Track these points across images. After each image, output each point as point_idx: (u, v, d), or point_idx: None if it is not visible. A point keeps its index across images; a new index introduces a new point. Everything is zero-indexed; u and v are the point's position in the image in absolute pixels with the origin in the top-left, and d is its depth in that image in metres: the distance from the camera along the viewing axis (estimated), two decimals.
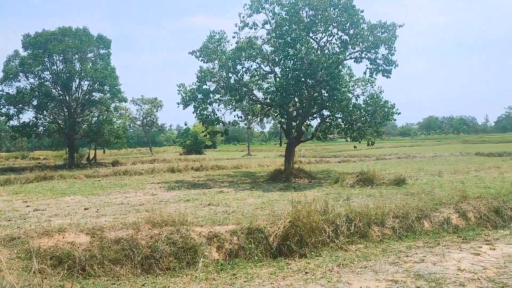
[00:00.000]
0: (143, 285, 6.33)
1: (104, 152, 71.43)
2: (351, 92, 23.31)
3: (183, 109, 22.01)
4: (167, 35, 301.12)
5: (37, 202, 15.41)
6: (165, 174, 25.97)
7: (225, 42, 22.03)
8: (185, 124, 79.68)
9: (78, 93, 38.94)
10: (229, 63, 20.46)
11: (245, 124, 52.98)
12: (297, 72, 19.44)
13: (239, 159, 44.09)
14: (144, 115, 70.84)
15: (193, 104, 21.80)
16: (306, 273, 6.62)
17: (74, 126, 38.68)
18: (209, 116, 21.18)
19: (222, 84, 21.43)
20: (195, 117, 21.45)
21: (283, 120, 22.37)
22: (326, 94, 20.56)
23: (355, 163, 31.77)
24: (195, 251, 7.16)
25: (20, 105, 37.13)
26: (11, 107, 37.18)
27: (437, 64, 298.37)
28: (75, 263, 6.32)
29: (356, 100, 23.08)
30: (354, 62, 21.08)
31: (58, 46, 35.49)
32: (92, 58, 39.38)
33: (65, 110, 38.88)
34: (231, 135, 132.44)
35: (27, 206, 14.38)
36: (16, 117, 37.30)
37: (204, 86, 21.91)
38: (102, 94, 39.07)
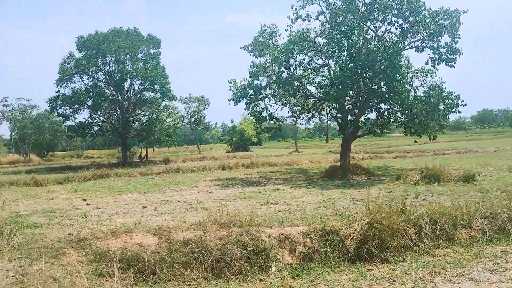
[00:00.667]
0: None
1: (153, 150, 72.96)
2: (409, 84, 22.09)
3: (235, 105, 21.68)
4: (207, 33, 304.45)
5: (96, 200, 15.54)
6: (217, 172, 25.81)
7: (277, 36, 21.47)
8: (231, 122, 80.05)
9: (130, 93, 39.70)
10: (282, 57, 19.86)
11: (292, 120, 52.28)
12: (354, 64, 18.55)
13: (288, 156, 43.50)
14: (191, 113, 71.62)
15: (245, 100, 21.37)
16: (394, 281, 5.96)
17: (126, 125, 39.49)
18: (262, 112, 20.69)
19: (274, 79, 20.86)
20: (248, 114, 21.01)
21: (338, 114, 21.51)
22: (384, 86, 19.52)
23: (412, 159, 30.31)
24: (266, 255, 6.67)
25: (76, 106, 38.30)
26: (67, 107, 38.43)
27: (489, 53, 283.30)
28: (144, 266, 5.98)
29: (415, 92, 21.85)
30: (415, 51, 19.91)
31: (110, 47, 36.25)
32: (142, 58, 40.01)
33: (118, 109, 39.75)
34: (276, 132, 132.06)
35: (87, 204, 14.49)
36: (72, 117, 38.54)
37: (256, 82, 21.47)
38: (152, 93, 39.60)
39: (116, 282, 5.33)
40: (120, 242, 6.64)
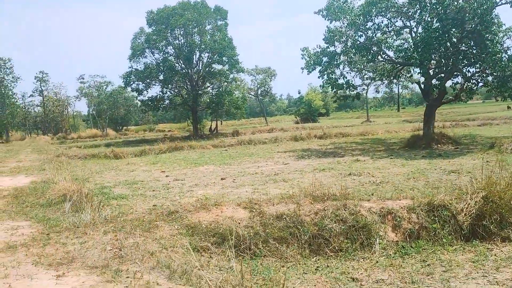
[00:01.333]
0: (316, 268, 5.43)
1: (221, 123, 73.94)
2: (500, 44, 19.87)
3: (308, 73, 20.80)
4: (268, 4, 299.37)
5: (174, 172, 15.65)
6: (289, 143, 25.29)
7: None
8: (299, 93, 78.71)
9: (199, 66, 39.96)
10: (359, 20, 18.56)
11: (363, 89, 50.22)
12: (440, 24, 16.89)
13: (359, 126, 41.90)
14: (258, 85, 71.27)
15: (318, 68, 20.42)
16: None
17: (196, 98, 39.97)
18: (338, 80, 19.64)
19: (349, 45, 19.66)
20: (322, 82, 20.07)
21: (421, 79, 19.91)
22: (475, 47, 17.68)
23: (499, 126, 27.83)
24: (368, 231, 6.05)
25: (148, 80, 39.33)
26: (140, 82, 39.54)
27: None
28: (239, 241, 5.61)
29: (506, 53, 19.63)
30: (511, 7, 17.74)
31: (179, 20, 36.44)
32: (210, 31, 39.89)
33: (188, 83, 40.24)
34: (343, 102, 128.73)
35: (166, 176, 14.60)
36: (145, 91, 39.65)
37: (329, 48, 20.41)
38: (221, 66, 39.57)
39: (211, 257, 5.01)
40: (211, 215, 6.32)
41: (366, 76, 27.48)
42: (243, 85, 65.24)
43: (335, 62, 19.76)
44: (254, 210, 6.40)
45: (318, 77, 20.48)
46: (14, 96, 71.61)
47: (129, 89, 42.87)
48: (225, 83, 40.63)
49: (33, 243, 5.53)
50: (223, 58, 38.55)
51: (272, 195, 9.80)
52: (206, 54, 39.10)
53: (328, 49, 20.23)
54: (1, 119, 62.41)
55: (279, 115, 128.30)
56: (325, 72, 19.74)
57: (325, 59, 20.32)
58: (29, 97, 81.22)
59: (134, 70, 39.04)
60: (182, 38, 38.50)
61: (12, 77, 67.81)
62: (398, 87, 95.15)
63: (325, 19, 19.24)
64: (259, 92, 73.28)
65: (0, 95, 64.50)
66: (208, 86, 41.89)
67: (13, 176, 15.04)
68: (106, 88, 75.06)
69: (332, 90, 20.36)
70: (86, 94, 76.03)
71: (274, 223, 5.93)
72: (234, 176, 13.71)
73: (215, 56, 38.36)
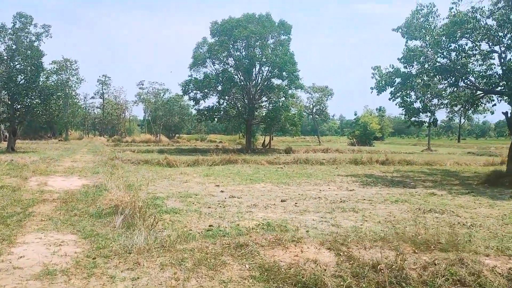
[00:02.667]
0: None
1: (272, 138, 72.95)
2: None
3: (377, 94, 19.35)
4: (330, 22, 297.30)
5: (229, 187, 14.64)
6: (349, 166, 23.71)
7: (435, 17, 18.48)
8: (355, 114, 76.21)
9: (258, 79, 39.25)
10: (441, 41, 16.93)
11: (426, 115, 47.49)
12: None
13: (421, 154, 39.39)
14: (314, 103, 69.89)
15: (390, 89, 18.91)
16: None
17: (252, 111, 39.19)
18: (413, 103, 17.99)
19: (426, 66, 18.00)
20: (396, 104, 18.50)
21: (509, 109, 17.82)
22: None
23: None
24: None
25: (206, 90, 39.04)
26: (198, 91, 39.35)
27: None
28: None
29: None
30: None
31: (242, 32, 35.99)
32: (272, 45, 39.16)
33: (245, 95, 39.58)
34: (397, 128, 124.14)
35: (221, 191, 13.61)
36: (202, 101, 39.40)
37: (402, 70, 18.89)
38: (280, 80, 38.63)
39: None
40: (289, 255, 5.13)
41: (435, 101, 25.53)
42: (298, 102, 64.17)
43: (409, 84, 18.16)
44: (341, 253, 5.13)
45: (390, 99, 18.99)
46: (76, 96, 74.56)
47: (186, 97, 42.87)
48: (283, 99, 39.58)
49: (76, 270, 4.59)
50: (283, 73, 37.59)
51: (346, 228, 8.49)
52: (266, 68, 38.32)
53: (402, 70, 18.74)
54: (62, 118, 64.70)
55: (330, 135, 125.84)
56: (398, 94, 18.16)
57: (398, 80, 18.80)
58: (90, 98, 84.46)
59: (193, 79, 38.94)
60: (243, 50, 38.01)
61: (77, 78, 70.59)
62: (460, 117, 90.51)
63: (404, 37, 17.75)
64: (314, 111, 71.83)
65: (64, 94, 67.16)
66: (265, 100, 40.99)
67: (66, 177, 14.61)
68: (163, 95, 76.50)
69: (406, 114, 18.66)
70: (144, 99, 77.83)
71: (369, 275, 4.62)
72: (294, 198, 12.49)
73: (275, 71, 37.48)
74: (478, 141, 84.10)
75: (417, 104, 18.05)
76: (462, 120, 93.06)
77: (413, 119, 18.36)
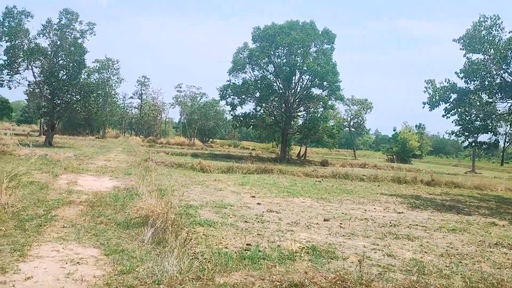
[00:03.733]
0: None
1: (305, 149, 71.52)
2: None
3: (430, 110, 17.99)
4: (371, 37, 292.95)
5: (266, 199, 13.69)
6: (392, 185, 22.29)
7: (499, 30, 17.02)
8: (394, 130, 73.81)
9: (297, 88, 38.27)
10: (508, 56, 15.47)
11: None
12: None
13: (465, 176, 37.19)
14: (351, 116, 68.19)
15: (445, 105, 17.52)
16: None
17: (289, 120, 38.20)
18: (474, 122, 16.55)
19: (487, 82, 16.54)
20: (452, 122, 17.13)
21: None
22: None
23: None
24: None
25: (244, 96, 38.37)
26: (235, 97, 38.72)
27: None
28: None
29: None
30: None
31: (284, 39, 35.18)
32: (314, 54, 38.13)
33: (283, 104, 38.64)
34: (435, 146, 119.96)
35: (258, 203, 12.67)
36: (239, 107, 38.74)
37: (459, 85, 17.48)
38: (320, 90, 37.49)
39: None
40: None
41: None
42: (335, 113, 62.72)
43: (467, 101, 16.73)
44: None
45: (444, 116, 17.57)
46: (116, 95, 75.73)
47: (222, 102, 42.38)
48: (322, 109, 38.38)
49: None
50: (324, 82, 36.46)
51: (404, 260, 7.37)
52: (307, 77, 37.27)
53: (458, 85, 17.34)
54: (101, 116, 65.63)
55: (364, 150, 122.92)
56: (454, 111, 16.76)
57: (453, 95, 17.41)
58: (129, 98, 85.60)
59: (232, 84, 38.37)
60: (284, 57, 37.14)
61: (117, 78, 71.73)
62: (505, 139, 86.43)
63: (464, 49, 16.39)
64: (351, 124, 70.10)
65: (104, 93, 68.27)
66: (303, 110, 39.87)
67: (97, 177, 14.04)
68: (200, 99, 76.69)
69: (462, 134, 17.20)
70: (181, 102, 78.26)
71: None
72: (338, 218, 11.39)
73: (315, 80, 36.38)
74: None
75: (477, 123, 16.58)
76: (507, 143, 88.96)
77: (470, 139, 16.91)
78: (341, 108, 75.72)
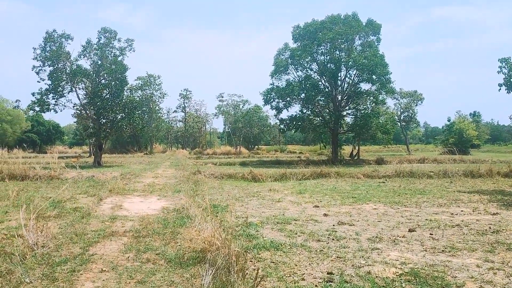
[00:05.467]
0: None
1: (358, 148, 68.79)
2: None
3: (507, 92, 15.67)
4: (411, 29, 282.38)
5: (332, 208, 12.01)
6: (466, 180, 19.93)
7: None
8: (448, 120, 69.72)
9: (344, 84, 36.25)
10: None
11: None
12: None
13: None
14: (402, 110, 64.88)
15: None
16: None
17: (338, 120, 36.18)
18: None
19: None
20: None
21: None
22: None
23: None
24: None
25: (288, 98, 36.79)
26: (280, 100, 37.23)
27: None
28: None
29: None
30: None
31: (327, 35, 33.40)
32: (359, 47, 36.04)
33: (330, 103, 36.72)
34: (492, 134, 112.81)
35: (325, 214, 11.01)
36: (285, 110, 37.20)
37: None
38: (370, 84, 35.23)
39: None
40: None
41: None
42: (385, 108, 59.86)
43: None
44: None
45: None
46: (160, 111, 76.35)
47: (265, 108, 41.10)
48: (374, 104, 36.09)
49: None
50: (373, 76, 34.20)
51: None
52: (354, 72, 35.20)
53: None
54: (147, 132, 66.17)
55: (415, 144, 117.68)
56: None
57: None
58: (173, 112, 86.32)
59: (275, 87, 36.90)
60: (328, 54, 35.27)
61: (160, 93, 72.27)
62: None
63: None
64: (402, 117, 66.75)
65: (148, 109, 68.86)
66: (353, 107, 37.67)
67: (144, 197, 12.91)
68: (242, 106, 75.89)
69: None
70: (224, 112, 77.80)
71: None
72: (424, 226, 9.56)
73: (364, 74, 34.21)
74: None
75: None
76: None
77: None
78: (390, 102, 72.55)
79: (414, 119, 67.70)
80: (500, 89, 16.02)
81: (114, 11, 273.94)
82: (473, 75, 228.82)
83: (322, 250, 7.40)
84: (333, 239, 8.28)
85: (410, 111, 66.08)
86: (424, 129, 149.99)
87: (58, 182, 18.02)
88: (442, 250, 7.43)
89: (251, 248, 7.41)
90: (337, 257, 7.02)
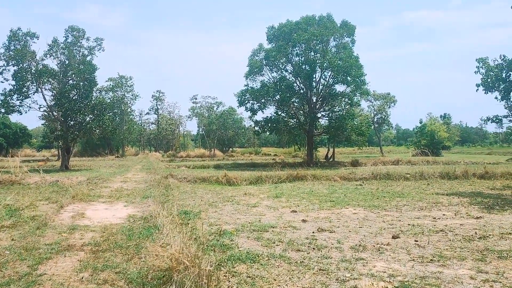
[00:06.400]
0: None
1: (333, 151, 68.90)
2: None
3: (485, 93, 15.63)
4: (384, 32, 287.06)
5: (311, 213, 11.45)
6: (443, 182, 19.77)
7: None
8: (420, 122, 70.72)
9: (319, 86, 35.96)
10: None
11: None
12: None
13: (507, 165, 34.19)
14: (375, 112, 65.36)
15: (503, 85, 15.01)
16: None
17: (314, 121, 35.85)
18: None
19: None
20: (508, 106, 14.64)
21: None
22: None
23: None
24: None
25: (263, 100, 36.23)
26: (254, 102, 36.62)
27: None
28: None
29: None
30: None
31: (302, 36, 33.01)
32: (334, 48, 35.84)
33: (305, 104, 36.36)
34: (461, 135, 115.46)
35: (303, 220, 10.42)
36: (260, 111, 36.62)
37: None
38: (345, 86, 35.03)
39: None
40: None
41: None
42: (359, 110, 60.12)
43: None
44: None
45: (501, 100, 15.08)
46: (132, 113, 74.53)
47: (240, 110, 40.52)
48: (348, 106, 35.92)
49: None
50: (348, 77, 34.00)
51: None
52: (329, 73, 34.92)
53: None
54: (119, 134, 64.38)
55: (386, 146, 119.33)
56: None
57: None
58: (145, 114, 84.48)
59: (249, 88, 36.28)
60: (303, 55, 34.90)
61: (132, 95, 70.54)
62: None
63: None
64: (375, 120, 67.25)
65: (120, 111, 67.04)
66: (328, 109, 37.41)
67: (110, 204, 12.02)
68: (216, 108, 74.96)
69: None
70: (197, 114, 76.63)
71: None
72: (408, 232, 9.08)
73: (339, 76, 33.95)
74: None
75: None
76: None
77: None
78: (364, 104, 73.00)
79: (387, 121, 68.33)
80: (478, 89, 15.88)
81: (87, 13, 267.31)
82: (443, 77, 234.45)
83: (303, 262, 6.78)
84: (314, 248, 7.67)
85: (383, 113, 66.63)
86: (395, 131, 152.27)
87: (19, 188, 16.86)
88: (431, 260, 6.92)
89: (225, 260, 6.73)
90: (320, 269, 6.41)
